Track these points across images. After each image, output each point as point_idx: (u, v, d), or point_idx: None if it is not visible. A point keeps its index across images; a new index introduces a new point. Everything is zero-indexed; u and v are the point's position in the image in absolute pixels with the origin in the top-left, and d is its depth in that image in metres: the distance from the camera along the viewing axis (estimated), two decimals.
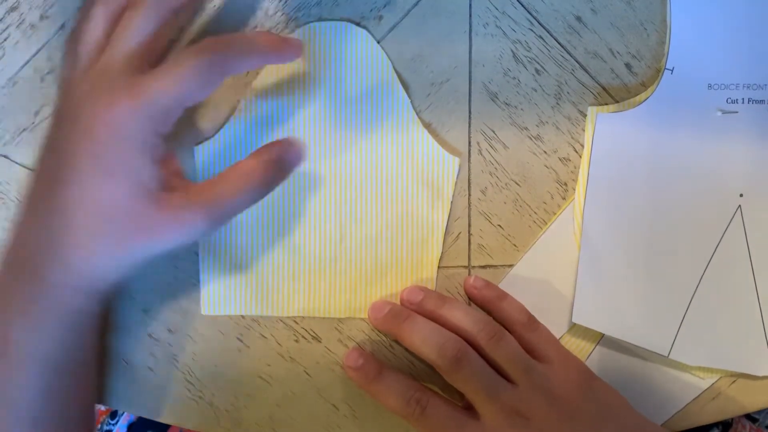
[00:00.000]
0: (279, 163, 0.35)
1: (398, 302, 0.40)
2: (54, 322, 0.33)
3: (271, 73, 0.39)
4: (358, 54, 0.39)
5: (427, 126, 0.40)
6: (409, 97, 0.40)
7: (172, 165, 0.38)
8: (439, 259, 0.40)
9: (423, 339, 0.37)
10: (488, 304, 0.40)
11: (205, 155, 0.40)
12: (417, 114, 0.40)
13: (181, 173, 0.39)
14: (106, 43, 0.34)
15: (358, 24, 0.40)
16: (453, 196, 0.40)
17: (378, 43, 0.40)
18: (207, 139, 0.40)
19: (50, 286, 0.33)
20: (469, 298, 0.41)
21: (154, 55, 0.34)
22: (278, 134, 0.40)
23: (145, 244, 0.33)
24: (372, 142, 0.40)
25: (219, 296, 0.40)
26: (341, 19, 0.39)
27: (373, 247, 0.40)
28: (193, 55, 0.33)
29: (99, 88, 0.33)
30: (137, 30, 0.33)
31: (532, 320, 0.39)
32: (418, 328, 0.37)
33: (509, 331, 0.39)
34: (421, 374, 0.40)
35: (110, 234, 0.32)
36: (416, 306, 0.39)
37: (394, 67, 0.40)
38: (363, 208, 0.40)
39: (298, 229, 0.40)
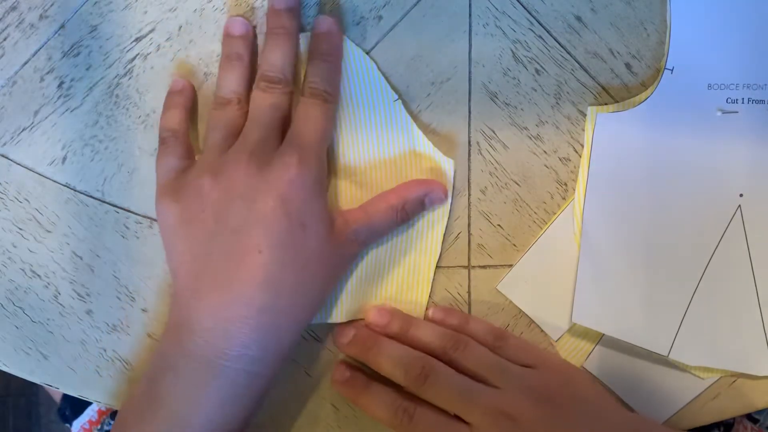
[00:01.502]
0: (421, 203, 0.39)
1: (371, 319, 0.39)
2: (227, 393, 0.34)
3: None
4: (345, 61, 0.39)
5: (427, 126, 0.40)
6: (408, 97, 0.40)
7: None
8: (437, 262, 0.40)
9: (389, 362, 0.37)
10: (456, 330, 0.39)
11: None
12: (416, 114, 0.40)
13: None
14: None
15: (357, 24, 0.40)
16: (452, 197, 0.40)
17: (376, 44, 0.40)
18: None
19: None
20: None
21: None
22: None
23: (334, 277, 0.38)
24: (367, 146, 0.40)
25: None
26: (341, 20, 0.39)
27: (372, 250, 0.40)
28: (307, 102, 0.37)
29: (258, 161, 0.35)
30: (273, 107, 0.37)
31: (500, 335, 0.39)
32: (384, 351, 0.38)
33: None
34: None
35: (311, 277, 0.35)
36: (382, 329, 0.39)
37: (380, 70, 0.39)
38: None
39: None
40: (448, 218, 0.40)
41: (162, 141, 0.38)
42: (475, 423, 0.35)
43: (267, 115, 0.36)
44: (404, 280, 0.40)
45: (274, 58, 0.37)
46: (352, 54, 0.39)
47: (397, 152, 0.40)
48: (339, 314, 0.40)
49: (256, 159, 0.35)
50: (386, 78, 0.40)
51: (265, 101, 0.37)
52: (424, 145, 0.40)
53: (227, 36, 0.39)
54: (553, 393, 0.37)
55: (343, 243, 0.36)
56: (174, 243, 0.36)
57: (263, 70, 0.37)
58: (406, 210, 0.38)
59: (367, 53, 0.40)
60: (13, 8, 0.39)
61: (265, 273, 0.34)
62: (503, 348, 0.39)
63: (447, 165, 0.40)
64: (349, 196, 0.40)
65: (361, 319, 0.40)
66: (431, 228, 0.40)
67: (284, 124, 0.37)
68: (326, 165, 0.37)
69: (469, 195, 0.41)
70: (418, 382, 0.36)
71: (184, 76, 0.40)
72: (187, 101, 0.39)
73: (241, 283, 0.34)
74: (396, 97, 0.40)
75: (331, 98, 0.37)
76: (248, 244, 0.34)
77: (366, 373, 0.39)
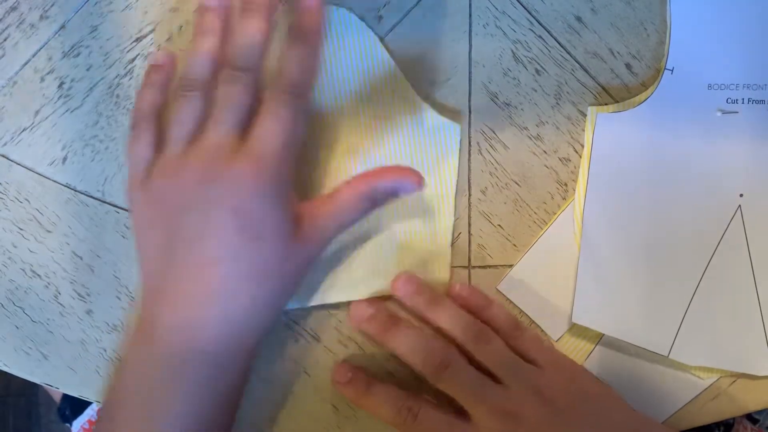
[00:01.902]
0: (392, 193, 0.37)
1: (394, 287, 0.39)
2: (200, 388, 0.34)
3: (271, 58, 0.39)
4: (342, 33, 0.39)
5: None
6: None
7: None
8: (453, 228, 0.40)
9: (408, 348, 0.37)
10: (474, 312, 0.39)
11: None
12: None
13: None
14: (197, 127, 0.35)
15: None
16: (459, 162, 0.40)
17: (380, 39, 0.40)
18: None
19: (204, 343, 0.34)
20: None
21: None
22: None
23: (295, 282, 0.36)
24: (370, 119, 0.39)
25: None
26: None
27: (386, 223, 0.40)
28: (277, 98, 0.34)
29: (213, 171, 0.33)
30: (234, 106, 0.35)
31: (518, 326, 0.39)
32: (403, 337, 0.37)
33: None
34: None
35: (270, 289, 0.35)
36: (409, 298, 0.38)
37: (381, 40, 0.39)
38: None
39: None
40: (457, 185, 0.40)
41: (133, 125, 0.36)
42: (479, 420, 0.35)
43: (227, 113, 0.34)
44: (423, 251, 0.40)
45: (241, 40, 0.35)
46: (353, 26, 0.39)
47: (402, 123, 0.40)
48: (359, 292, 0.40)
49: (212, 167, 0.33)
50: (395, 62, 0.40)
51: (227, 95, 0.34)
52: (427, 113, 0.39)
53: (201, 8, 0.36)
54: (559, 393, 0.37)
55: (307, 247, 0.35)
56: (140, 243, 0.36)
57: (229, 54, 0.35)
58: (374, 199, 0.36)
59: None
60: (14, 9, 0.39)
61: (222, 284, 0.33)
62: (519, 339, 0.39)
63: (453, 130, 0.40)
64: (356, 168, 0.39)
65: (380, 298, 0.39)
66: (442, 197, 0.40)
67: (251, 115, 0.35)
68: (289, 169, 0.35)
69: (469, 195, 0.41)
70: (437, 372, 0.36)
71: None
72: (165, 79, 0.37)
73: (200, 292, 0.33)
74: (401, 74, 0.39)
75: (302, 92, 0.35)
76: (205, 256, 0.33)
77: (367, 372, 0.39)
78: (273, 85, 0.35)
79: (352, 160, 0.40)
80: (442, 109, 0.40)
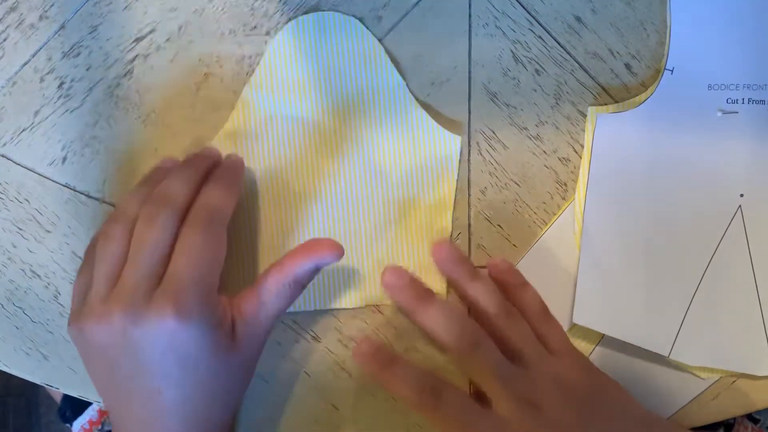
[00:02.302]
0: (314, 270, 0.37)
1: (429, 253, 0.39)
2: None
3: (265, 68, 0.39)
4: (349, 42, 0.39)
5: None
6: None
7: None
8: (450, 237, 0.40)
9: (441, 323, 0.36)
10: (507, 289, 0.39)
11: None
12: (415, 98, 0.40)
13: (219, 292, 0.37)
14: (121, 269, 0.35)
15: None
16: (458, 173, 0.40)
17: (380, 41, 0.40)
18: (204, 131, 0.40)
19: None
20: (490, 278, 0.40)
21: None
22: (277, 129, 0.40)
23: (245, 378, 0.38)
24: (372, 128, 0.40)
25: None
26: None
27: (383, 232, 0.40)
28: (191, 228, 0.35)
29: (135, 314, 0.34)
30: (154, 245, 0.35)
31: (547, 312, 0.39)
32: (436, 311, 0.36)
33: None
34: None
35: (220, 397, 0.36)
36: (451, 266, 0.38)
37: (385, 49, 0.39)
38: (368, 195, 0.40)
39: (303, 222, 0.40)
40: (455, 197, 0.40)
41: (85, 255, 0.37)
42: (500, 407, 0.35)
43: (144, 255, 0.34)
44: (419, 261, 0.40)
45: (170, 183, 0.36)
46: (362, 37, 0.39)
47: (403, 134, 0.40)
48: (355, 300, 0.40)
49: (131, 311, 0.33)
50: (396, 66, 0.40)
51: (145, 236, 0.35)
52: (429, 124, 0.40)
53: (157, 166, 0.39)
54: (577, 383, 0.36)
55: (248, 349, 0.36)
56: (88, 372, 0.36)
57: (153, 194, 0.36)
58: (299, 282, 0.37)
59: None
60: (13, 9, 0.39)
61: (171, 407, 0.34)
62: (545, 325, 0.38)
63: (453, 142, 0.40)
64: (355, 182, 0.40)
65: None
66: (439, 208, 0.40)
67: (169, 254, 0.35)
68: (212, 295, 0.35)
69: (469, 195, 0.41)
70: (467, 351, 0.35)
71: (184, 77, 0.40)
72: (133, 208, 0.37)
73: (153, 416, 0.35)
74: (404, 82, 0.40)
75: (216, 220, 0.36)
76: (147, 387, 0.34)
77: (391, 350, 0.39)
78: (190, 214, 0.36)
79: (353, 167, 0.40)
80: (444, 120, 0.40)
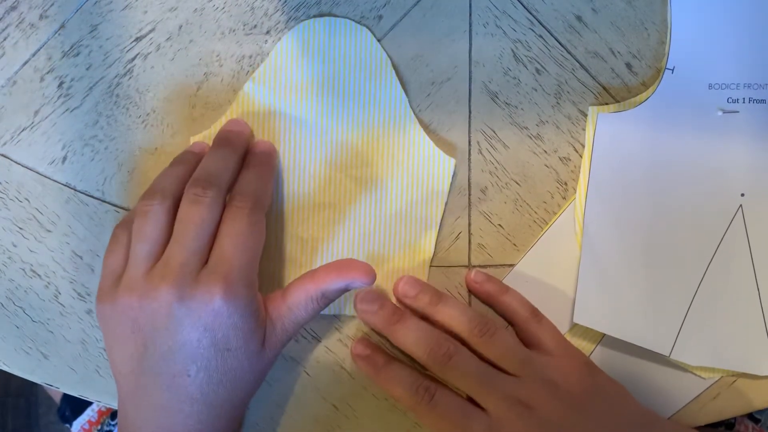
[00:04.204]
0: (343, 289, 0.37)
1: (391, 292, 0.40)
2: None
3: (270, 65, 0.39)
4: (358, 51, 0.39)
5: (427, 126, 0.40)
6: (409, 96, 0.40)
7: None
8: (431, 259, 0.40)
9: (413, 340, 0.37)
10: (490, 298, 0.40)
11: None
12: (416, 114, 0.40)
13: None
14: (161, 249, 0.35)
15: (358, 23, 0.40)
16: (448, 196, 0.40)
17: (378, 41, 0.40)
18: (204, 130, 0.40)
19: None
20: (471, 293, 0.40)
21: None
22: (274, 127, 0.40)
23: (261, 380, 0.37)
24: (368, 140, 0.40)
25: None
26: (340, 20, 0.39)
27: (367, 244, 0.40)
28: (234, 215, 0.35)
29: (182, 291, 0.34)
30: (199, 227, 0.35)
31: (535, 312, 0.39)
32: (406, 330, 0.37)
33: (512, 324, 0.39)
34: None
35: (241, 390, 0.36)
36: (411, 300, 0.39)
37: (394, 66, 0.40)
38: (357, 205, 0.40)
39: (291, 225, 0.40)
40: (442, 219, 0.40)
41: (112, 235, 0.37)
42: (491, 409, 0.35)
43: (191, 234, 0.35)
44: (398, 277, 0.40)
45: (211, 163, 0.37)
46: (371, 48, 0.39)
47: (399, 149, 0.40)
48: (333, 307, 0.40)
49: (178, 288, 0.34)
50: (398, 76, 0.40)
51: (190, 216, 0.35)
52: (426, 143, 0.40)
53: (187, 150, 0.39)
54: (573, 383, 0.36)
55: (273, 350, 0.37)
56: (110, 353, 0.36)
57: (196, 174, 0.36)
58: (327, 297, 0.37)
59: None
60: (13, 8, 0.39)
61: (196, 391, 0.34)
62: (535, 326, 0.39)
63: (448, 164, 0.40)
64: (344, 189, 0.40)
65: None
66: (425, 228, 0.40)
67: (214, 235, 0.36)
68: (256, 282, 0.36)
69: (469, 195, 0.41)
70: (441, 362, 0.36)
71: (187, 79, 0.40)
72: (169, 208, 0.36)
73: (174, 401, 0.34)
74: (406, 99, 0.40)
75: (259, 206, 0.36)
76: (177, 369, 0.34)
77: (386, 352, 0.39)
78: (231, 200, 0.36)
79: (343, 174, 0.40)
80: (441, 141, 0.40)
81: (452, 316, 0.38)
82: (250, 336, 0.35)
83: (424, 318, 0.38)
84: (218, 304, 0.34)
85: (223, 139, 0.38)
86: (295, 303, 0.36)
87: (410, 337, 0.37)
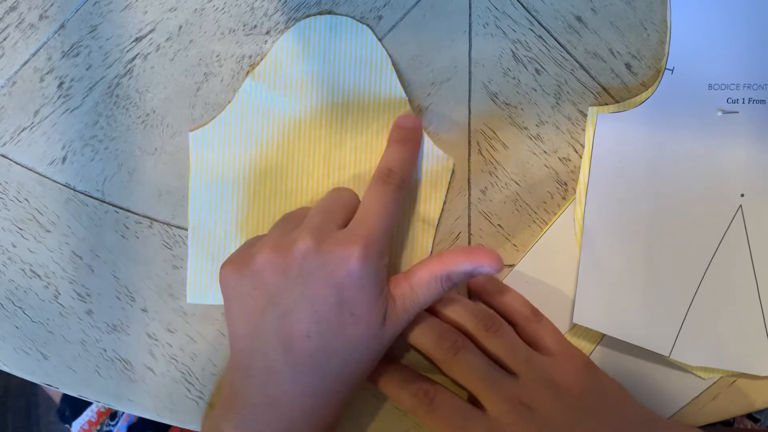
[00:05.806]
0: (468, 274, 0.36)
1: None
2: None
3: (271, 62, 0.39)
4: (359, 49, 0.39)
5: (427, 126, 0.40)
6: (409, 96, 0.40)
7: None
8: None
9: (420, 332, 0.37)
10: (490, 297, 0.40)
11: (199, 141, 0.40)
12: (416, 113, 0.40)
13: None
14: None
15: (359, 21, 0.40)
16: (447, 196, 0.40)
17: (379, 41, 0.40)
18: (203, 125, 0.40)
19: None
20: (471, 291, 0.40)
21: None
22: (273, 123, 0.40)
23: (376, 359, 0.36)
24: (368, 138, 0.40)
25: (205, 285, 0.40)
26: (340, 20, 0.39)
27: None
28: (378, 187, 0.37)
29: (321, 246, 0.34)
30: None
31: (535, 312, 0.39)
32: (416, 320, 0.37)
33: (512, 324, 0.39)
34: (426, 369, 0.40)
35: (356, 362, 0.35)
36: None
37: (394, 65, 0.40)
38: None
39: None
40: (445, 218, 0.40)
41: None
42: (492, 409, 0.35)
43: (334, 204, 0.37)
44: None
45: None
46: (371, 47, 0.39)
47: None
48: None
49: (317, 240, 0.34)
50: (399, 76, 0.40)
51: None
52: (426, 143, 0.40)
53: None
54: (573, 383, 0.37)
55: (393, 327, 0.36)
56: (230, 313, 0.36)
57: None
58: (451, 279, 0.36)
59: None
60: (13, 8, 0.39)
61: (311, 359, 0.34)
62: (535, 325, 0.39)
63: (446, 164, 0.40)
64: (343, 182, 0.40)
65: None
66: (423, 226, 0.40)
67: (355, 210, 0.37)
68: (387, 255, 0.36)
69: (469, 195, 0.41)
70: (448, 355, 0.36)
71: (186, 77, 0.40)
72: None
73: (287, 366, 0.34)
74: (406, 98, 0.40)
75: (404, 185, 0.37)
76: (297, 328, 0.34)
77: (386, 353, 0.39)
78: (376, 174, 0.37)
79: (342, 172, 0.40)
80: (441, 142, 0.40)
81: (457, 310, 0.38)
82: (374, 305, 0.34)
83: (430, 312, 0.38)
84: (354, 263, 0.33)
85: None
86: (418, 282, 0.36)
87: (417, 328, 0.37)
